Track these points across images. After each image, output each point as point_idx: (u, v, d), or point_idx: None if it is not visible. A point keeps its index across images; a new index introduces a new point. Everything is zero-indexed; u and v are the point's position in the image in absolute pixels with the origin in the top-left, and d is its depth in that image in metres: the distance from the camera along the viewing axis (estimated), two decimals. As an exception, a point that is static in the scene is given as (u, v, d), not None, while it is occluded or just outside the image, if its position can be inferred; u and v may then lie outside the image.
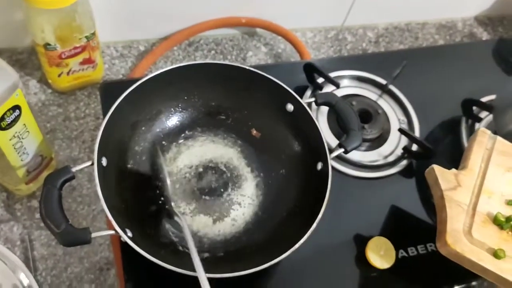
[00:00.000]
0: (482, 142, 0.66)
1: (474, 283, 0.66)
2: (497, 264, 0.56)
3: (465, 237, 0.57)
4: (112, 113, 0.57)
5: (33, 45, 0.76)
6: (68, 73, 0.72)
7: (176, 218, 0.57)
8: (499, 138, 0.67)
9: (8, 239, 0.64)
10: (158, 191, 0.61)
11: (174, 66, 0.61)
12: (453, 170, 0.62)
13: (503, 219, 0.59)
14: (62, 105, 0.75)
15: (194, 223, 0.61)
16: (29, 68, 0.77)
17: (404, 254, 0.64)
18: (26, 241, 0.65)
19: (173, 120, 0.65)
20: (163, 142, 0.64)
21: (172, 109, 0.65)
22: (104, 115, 0.57)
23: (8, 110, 0.53)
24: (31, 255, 0.64)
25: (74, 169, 0.53)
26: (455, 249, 0.56)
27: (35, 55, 0.78)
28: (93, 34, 0.69)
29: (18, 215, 0.67)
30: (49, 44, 0.66)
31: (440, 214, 0.59)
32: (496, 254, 0.56)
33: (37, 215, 0.67)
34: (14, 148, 0.58)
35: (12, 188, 0.66)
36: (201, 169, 0.64)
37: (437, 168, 0.62)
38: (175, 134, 0.65)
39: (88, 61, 0.72)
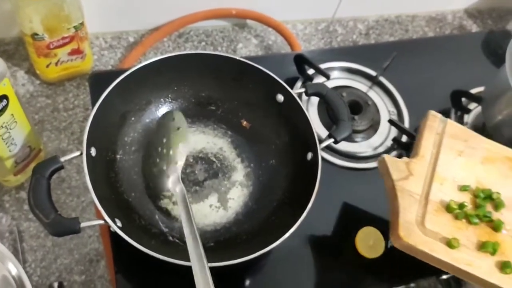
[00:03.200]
0: (433, 127, 0.63)
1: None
2: (451, 254, 0.54)
3: (418, 228, 0.55)
4: (101, 103, 0.56)
5: (20, 36, 0.75)
6: (56, 64, 0.71)
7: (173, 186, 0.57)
8: (449, 121, 0.65)
9: (-3, 231, 0.64)
10: (148, 182, 0.61)
11: (164, 56, 0.61)
12: (405, 158, 0.60)
13: (455, 207, 0.58)
14: (51, 96, 0.75)
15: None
16: (17, 59, 0.76)
17: (393, 244, 0.65)
18: (14, 232, 0.65)
19: (163, 111, 0.65)
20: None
21: (162, 99, 0.65)
22: (93, 105, 0.57)
23: (-5, 99, 0.53)
24: (20, 246, 0.64)
25: (62, 159, 0.53)
26: (407, 242, 0.54)
27: (23, 45, 0.77)
28: (82, 24, 0.68)
29: (6, 207, 0.66)
30: (37, 34, 0.66)
31: (392, 206, 0.57)
32: (450, 244, 0.55)
33: (26, 207, 0.66)
34: (2, 139, 0.58)
35: (0, 179, 0.66)
36: (191, 160, 0.64)
37: (387, 157, 0.59)
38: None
39: (76, 52, 0.71)
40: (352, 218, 0.66)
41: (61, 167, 0.53)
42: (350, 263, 0.63)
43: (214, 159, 0.64)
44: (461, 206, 0.58)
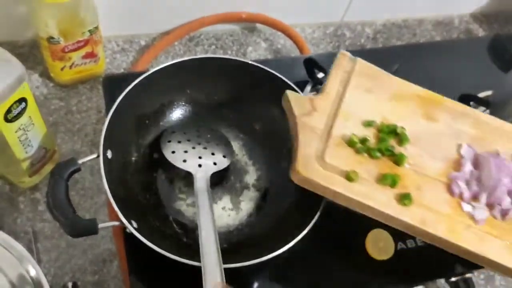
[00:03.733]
0: (341, 65, 0.62)
1: (469, 275, 0.67)
2: (349, 187, 0.53)
3: (317, 163, 0.54)
4: (117, 106, 0.57)
5: (35, 39, 0.76)
6: (70, 67, 0.72)
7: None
8: (359, 59, 0.63)
9: (12, 231, 0.65)
10: (163, 184, 0.62)
11: (178, 60, 0.62)
12: (309, 95, 0.59)
13: (357, 141, 0.56)
14: (64, 99, 0.76)
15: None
16: (31, 61, 0.78)
17: (403, 246, 0.66)
18: (29, 233, 0.66)
19: (176, 114, 0.66)
20: (167, 135, 0.65)
21: (175, 102, 0.66)
22: (108, 108, 0.58)
23: (15, 102, 0.54)
24: (35, 247, 0.65)
25: (80, 161, 0.54)
26: (305, 175, 0.52)
27: (37, 48, 0.78)
28: (96, 28, 0.70)
29: (21, 208, 0.67)
30: (52, 38, 0.67)
31: (295, 142, 0.56)
32: (349, 177, 0.53)
33: (40, 208, 0.68)
34: (19, 141, 0.59)
35: (15, 180, 0.67)
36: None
37: (290, 93, 0.58)
38: (177, 128, 0.66)
39: (90, 55, 0.73)
40: (362, 220, 0.66)
41: (79, 169, 0.54)
42: (360, 265, 0.64)
43: (226, 162, 0.65)
44: (363, 140, 0.56)
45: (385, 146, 0.56)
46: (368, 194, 0.53)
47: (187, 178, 0.62)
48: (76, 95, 0.76)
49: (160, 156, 0.60)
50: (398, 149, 0.57)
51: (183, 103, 0.66)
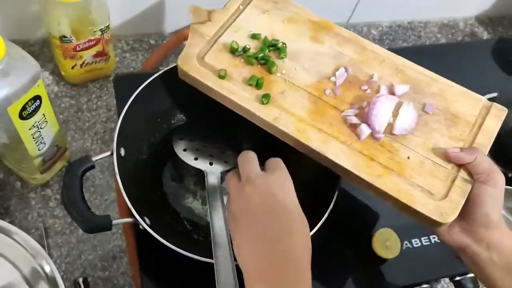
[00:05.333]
0: None
1: (473, 274, 0.68)
2: (219, 83, 0.59)
3: (197, 61, 0.60)
4: (130, 104, 0.58)
5: (46, 37, 0.77)
6: (81, 65, 0.73)
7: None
8: None
9: (23, 227, 0.66)
10: (174, 182, 0.63)
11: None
12: (210, 8, 0.64)
13: (236, 47, 0.61)
14: (75, 97, 0.77)
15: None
16: (42, 60, 0.78)
17: (409, 245, 0.67)
18: (40, 229, 0.67)
19: (187, 112, 0.67)
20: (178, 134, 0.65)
21: (186, 101, 0.66)
22: (119, 106, 0.59)
23: (30, 100, 0.55)
24: (46, 242, 0.66)
25: (94, 159, 0.55)
26: (183, 69, 0.59)
27: (47, 47, 0.79)
28: (107, 27, 0.70)
29: (32, 204, 0.68)
30: (65, 37, 0.68)
31: None
32: (219, 74, 0.59)
33: (51, 204, 0.68)
34: (33, 138, 0.60)
35: (27, 177, 0.68)
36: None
37: (193, 6, 0.64)
38: (189, 126, 0.66)
39: (101, 54, 0.73)
40: (370, 220, 0.68)
41: (93, 166, 0.55)
42: (367, 263, 0.65)
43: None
44: (244, 49, 0.61)
45: (261, 54, 0.61)
46: (234, 91, 0.58)
47: (198, 176, 0.63)
48: (86, 94, 0.77)
49: (171, 154, 0.61)
50: (274, 61, 0.61)
51: (194, 102, 0.67)
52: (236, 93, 0.58)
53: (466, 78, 0.85)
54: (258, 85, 0.59)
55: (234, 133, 0.66)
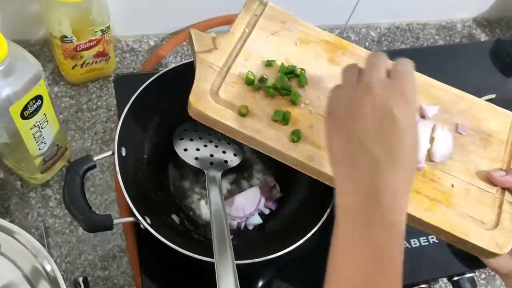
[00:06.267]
0: (251, 8, 0.61)
1: (471, 274, 0.69)
2: (240, 122, 0.53)
3: (211, 97, 0.54)
4: (131, 104, 0.59)
5: (46, 37, 0.77)
6: (82, 66, 0.74)
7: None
8: (270, 4, 0.63)
9: (23, 227, 0.65)
10: (174, 181, 0.63)
11: (190, 60, 0.63)
12: (212, 34, 0.59)
13: (253, 78, 0.56)
14: (75, 97, 0.77)
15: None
16: (42, 60, 0.79)
17: (407, 245, 0.67)
18: (40, 228, 0.67)
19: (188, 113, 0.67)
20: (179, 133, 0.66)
21: (186, 102, 0.67)
22: (120, 106, 0.59)
23: (31, 99, 0.55)
24: (46, 242, 0.66)
25: (95, 158, 0.55)
26: (197, 107, 0.53)
27: (47, 47, 0.79)
28: (108, 28, 0.71)
29: (32, 204, 0.68)
30: (66, 37, 0.68)
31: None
32: (240, 111, 0.53)
33: (51, 204, 0.69)
34: (34, 137, 0.60)
35: (27, 176, 0.68)
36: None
37: (193, 31, 0.58)
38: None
39: (101, 54, 0.74)
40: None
41: (94, 166, 0.55)
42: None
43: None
44: (261, 79, 0.56)
45: (281, 84, 0.56)
46: (259, 129, 0.53)
47: (198, 175, 0.64)
48: (86, 94, 0.77)
49: (172, 154, 0.61)
50: (295, 90, 0.57)
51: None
52: (262, 131, 0.53)
53: (464, 80, 0.85)
54: (284, 120, 0.53)
55: None
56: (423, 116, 0.57)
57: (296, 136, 0.53)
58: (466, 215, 0.51)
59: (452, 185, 0.53)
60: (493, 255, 0.49)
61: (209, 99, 0.54)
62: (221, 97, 0.54)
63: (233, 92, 0.55)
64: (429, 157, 0.54)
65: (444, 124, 0.57)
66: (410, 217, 0.51)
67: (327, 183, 0.52)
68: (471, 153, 0.55)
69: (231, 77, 0.56)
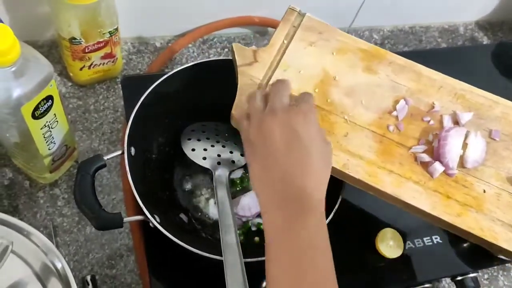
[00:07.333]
0: (289, 20, 0.63)
1: (474, 274, 0.69)
2: None
3: None
4: (140, 105, 0.60)
5: (54, 39, 0.78)
6: (89, 67, 0.74)
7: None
8: (308, 15, 0.64)
9: (32, 226, 0.66)
10: (182, 181, 0.64)
11: (196, 62, 0.65)
12: (253, 47, 0.61)
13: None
14: (82, 98, 0.78)
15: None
16: (50, 61, 0.78)
17: (411, 245, 0.68)
18: (49, 227, 0.67)
19: (195, 113, 0.68)
20: (186, 134, 0.67)
21: (194, 102, 0.67)
22: (127, 107, 0.60)
23: (42, 100, 0.56)
24: (55, 241, 0.66)
25: (105, 157, 0.56)
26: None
27: (55, 48, 0.80)
28: (116, 29, 0.72)
29: (41, 203, 0.69)
30: (74, 39, 0.69)
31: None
32: None
33: (59, 203, 0.69)
34: (44, 137, 0.61)
35: (36, 176, 0.69)
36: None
37: (235, 45, 0.60)
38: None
39: (109, 56, 0.75)
40: (373, 220, 0.69)
41: (104, 165, 0.56)
42: (370, 262, 0.66)
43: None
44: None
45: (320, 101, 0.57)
46: None
47: (206, 175, 0.64)
48: (94, 95, 0.78)
49: (179, 154, 0.62)
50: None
51: (202, 103, 0.68)
52: None
53: (466, 82, 0.87)
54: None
55: None
56: (457, 123, 0.58)
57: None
58: (496, 220, 0.53)
59: (484, 191, 0.54)
60: None
61: None
62: None
63: None
64: (462, 163, 0.55)
65: (478, 130, 0.57)
66: (441, 221, 0.53)
67: (361, 188, 0.55)
68: (504, 159, 0.56)
69: None
